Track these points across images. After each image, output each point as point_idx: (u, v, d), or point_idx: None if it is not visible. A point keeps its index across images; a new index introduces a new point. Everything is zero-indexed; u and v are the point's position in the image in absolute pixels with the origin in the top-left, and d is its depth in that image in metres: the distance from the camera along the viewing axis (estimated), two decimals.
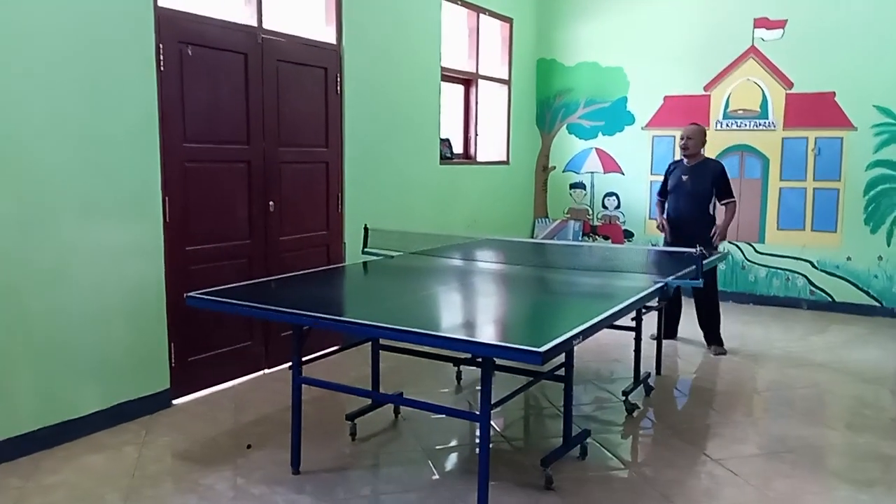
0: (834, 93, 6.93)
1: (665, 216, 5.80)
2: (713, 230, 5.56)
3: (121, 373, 4.03)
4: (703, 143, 5.67)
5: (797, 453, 3.77)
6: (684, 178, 5.63)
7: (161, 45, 4.14)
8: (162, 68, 4.16)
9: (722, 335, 5.72)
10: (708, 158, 5.82)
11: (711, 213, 5.62)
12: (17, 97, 3.47)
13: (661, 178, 5.95)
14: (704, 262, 4.11)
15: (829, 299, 7.15)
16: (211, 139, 4.53)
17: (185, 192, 4.37)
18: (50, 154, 3.62)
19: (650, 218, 7.79)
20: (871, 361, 5.48)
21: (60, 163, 3.67)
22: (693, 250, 4.03)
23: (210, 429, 4.02)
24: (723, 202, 5.62)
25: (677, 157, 5.98)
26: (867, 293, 7.00)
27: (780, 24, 7.10)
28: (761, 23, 7.18)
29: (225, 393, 4.60)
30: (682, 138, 5.66)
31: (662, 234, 5.94)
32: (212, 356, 4.61)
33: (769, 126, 7.25)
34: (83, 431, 3.84)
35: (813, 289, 7.21)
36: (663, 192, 5.85)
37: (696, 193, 5.58)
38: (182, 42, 4.29)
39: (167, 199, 4.23)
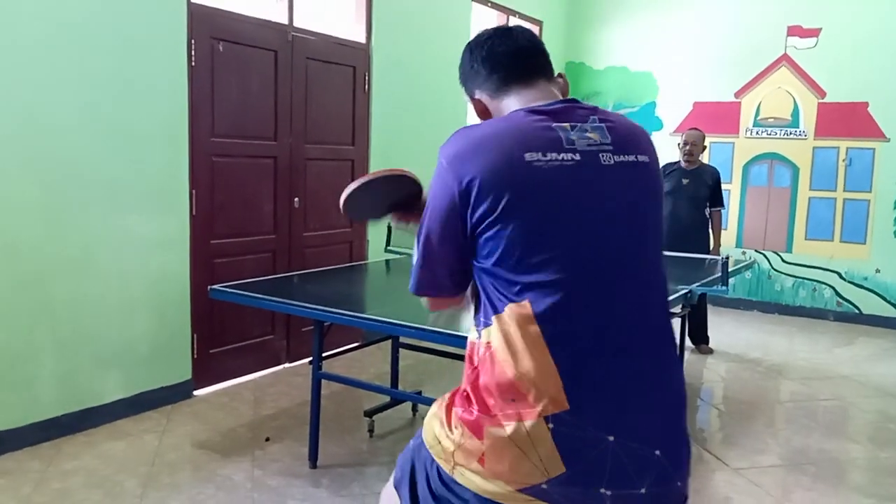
0: (867, 103, 6.83)
1: None
2: (713, 245, 5.71)
3: (143, 362, 4.08)
4: (704, 148, 5.78)
5: (818, 466, 3.72)
6: (685, 181, 5.67)
7: (193, 41, 4.19)
8: (193, 63, 4.21)
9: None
10: (704, 163, 5.87)
11: (707, 216, 5.75)
12: (49, 89, 3.53)
13: None
14: (730, 270, 4.07)
15: (857, 311, 7.04)
16: (239, 134, 4.58)
17: (212, 186, 4.41)
18: (80, 145, 3.68)
19: None
20: None
21: (90, 154, 3.73)
22: (720, 257, 4.00)
23: (230, 420, 4.06)
24: (714, 208, 5.74)
25: (671, 160, 5.92)
26: (895, 306, 6.88)
27: (814, 33, 7.01)
28: (795, 31, 7.08)
29: (245, 385, 4.65)
30: (685, 144, 5.68)
31: None
32: (233, 349, 4.66)
33: (800, 135, 7.15)
34: (105, 419, 3.89)
35: (840, 300, 7.11)
36: None
37: (697, 197, 5.67)
38: (214, 38, 4.33)
39: (194, 192, 4.28)
